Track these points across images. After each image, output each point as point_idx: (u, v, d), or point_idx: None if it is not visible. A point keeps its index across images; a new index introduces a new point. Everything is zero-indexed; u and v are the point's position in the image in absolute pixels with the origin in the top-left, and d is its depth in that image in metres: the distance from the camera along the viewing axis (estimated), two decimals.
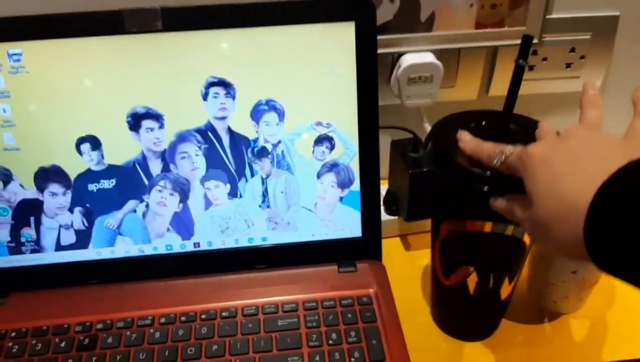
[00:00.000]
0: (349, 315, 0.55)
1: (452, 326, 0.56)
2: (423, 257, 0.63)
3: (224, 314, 0.55)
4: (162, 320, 0.55)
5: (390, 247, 0.65)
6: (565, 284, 0.54)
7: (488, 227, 0.48)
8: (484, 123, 0.51)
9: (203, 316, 0.55)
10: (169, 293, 0.57)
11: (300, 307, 0.56)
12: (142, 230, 0.58)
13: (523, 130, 0.48)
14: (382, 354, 0.51)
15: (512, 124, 0.48)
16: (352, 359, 0.51)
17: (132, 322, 0.55)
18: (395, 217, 0.64)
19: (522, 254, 0.51)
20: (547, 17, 0.62)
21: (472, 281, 0.51)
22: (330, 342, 0.52)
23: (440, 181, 0.50)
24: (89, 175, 0.56)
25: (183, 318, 0.55)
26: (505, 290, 0.52)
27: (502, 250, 0.50)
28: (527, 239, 0.49)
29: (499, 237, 0.48)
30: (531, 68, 0.66)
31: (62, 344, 0.53)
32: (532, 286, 0.57)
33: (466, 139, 0.46)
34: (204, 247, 0.59)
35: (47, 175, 0.56)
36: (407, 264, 0.62)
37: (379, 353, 0.52)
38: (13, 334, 0.54)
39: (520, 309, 0.57)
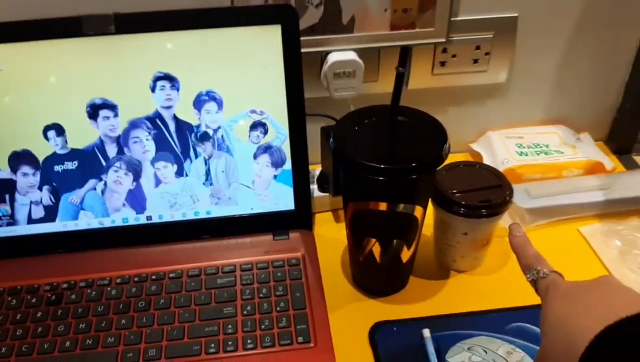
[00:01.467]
0: (279, 274, 0.64)
1: (367, 285, 0.65)
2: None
3: (171, 275, 0.64)
4: (118, 281, 0.64)
5: (323, 220, 0.75)
6: (460, 244, 0.63)
7: (383, 206, 0.57)
8: (374, 118, 0.60)
9: (153, 277, 0.64)
10: (124, 259, 0.67)
11: (237, 269, 0.65)
12: (102, 205, 0.67)
13: (411, 124, 0.57)
14: (304, 304, 0.61)
15: (399, 116, 0.57)
16: (278, 308, 0.60)
17: (92, 283, 0.64)
18: (327, 194, 0.74)
19: (415, 226, 0.59)
20: (453, 19, 0.72)
21: (377, 249, 0.61)
22: (261, 295, 0.62)
23: (344, 172, 0.59)
24: (54, 158, 0.65)
25: (136, 279, 0.64)
26: (405, 255, 0.62)
27: (396, 224, 0.59)
28: (417, 213, 0.58)
29: (393, 214, 0.57)
30: (443, 64, 0.76)
31: (33, 300, 0.62)
32: (436, 247, 0.67)
33: (517, 235, 0.50)
34: (155, 220, 0.68)
35: (19, 158, 0.65)
36: (337, 233, 0.72)
37: (300, 303, 0.61)
38: None
39: (428, 269, 0.67)
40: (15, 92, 0.63)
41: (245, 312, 0.60)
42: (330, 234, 0.72)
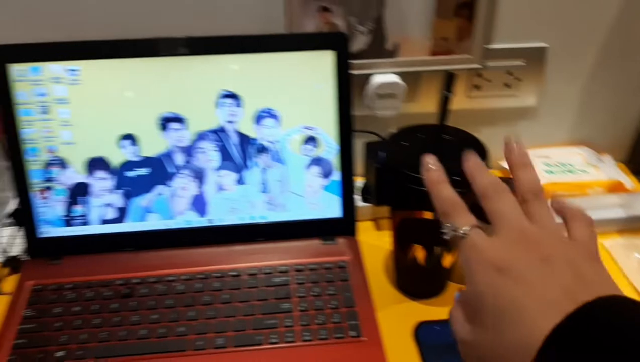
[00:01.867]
0: (328, 275, 0.71)
1: (409, 288, 0.72)
2: (387, 235, 0.79)
3: (231, 273, 0.71)
4: (183, 277, 0.71)
5: (365, 228, 0.81)
6: None
7: (429, 215, 0.63)
8: (423, 135, 0.67)
9: (215, 274, 0.71)
10: (188, 258, 0.73)
11: (291, 269, 0.71)
12: (168, 208, 0.74)
13: (455, 141, 0.64)
14: (353, 303, 0.67)
15: (445, 135, 0.64)
16: (330, 306, 0.67)
17: (160, 279, 0.70)
18: (369, 204, 0.81)
19: None
20: (488, 47, 0.79)
21: (421, 254, 0.67)
22: (313, 294, 0.68)
23: (394, 183, 0.65)
24: (128, 165, 0.72)
25: (200, 276, 0.71)
26: (447, 261, 0.68)
27: (440, 232, 0.65)
28: None
29: (437, 223, 0.63)
30: (477, 87, 0.83)
31: (108, 293, 0.69)
32: None
33: (431, 168, 0.43)
34: (216, 223, 0.75)
35: (96, 164, 0.72)
36: (377, 241, 0.78)
37: (350, 302, 0.67)
38: (70, 285, 0.69)
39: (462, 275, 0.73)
40: (96, 103, 0.70)
41: (300, 308, 0.67)
42: (372, 241, 0.78)
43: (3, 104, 0.68)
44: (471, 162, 0.42)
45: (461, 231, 0.38)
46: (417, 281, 0.70)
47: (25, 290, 0.69)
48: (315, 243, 0.75)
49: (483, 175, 0.41)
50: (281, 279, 0.70)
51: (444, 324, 0.66)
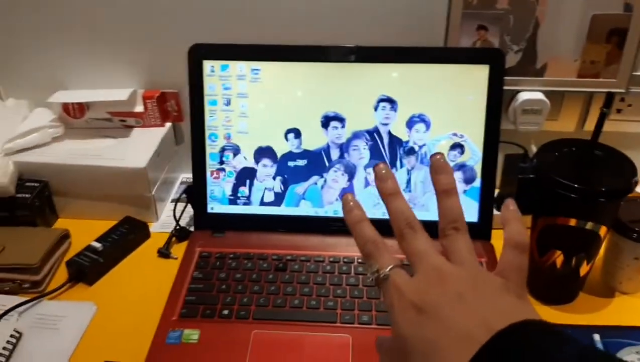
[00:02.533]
0: None
1: (541, 292, 0.75)
2: None
3: None
4: (330, 259, 0.78)
5: (499, 235, 0.85)
6: (629, 267, 0.72)
7: (573, 222, 0.67)
8: (574, 149, 0.71)
9: (360, 261, 0.78)
10: (335, 244, 0.81)
11: None
12: (319, 198, 0.82)
13: (605, 157, 0.68)
14: None
15: (597, 151, 0.68)
16: None
17: (310, 258, 0.78)
18: None
19: (597, 244, 0.70)
20: (634, 73, 0.81)
21: (560, 260, 0.71)
22: None
23: (541, 187, 0.70)
24: (289, 155, 0.81)
25: (345, 260, 0.78)
26: (583, 269, 0.71)
27: (582, 239, 0.69)
28: (601, 232, 0.68)
29: (580, 230, 0.67)
30: (619, 111, 0.85)
31: (265, 265, 0.78)
32: (604, 268, 0.76)
33: (351, 204, 0.41)
34: None
35: (263, 153, 0.81)
36: None
37: None
38: (232, 255, 0.79)
39: (595, 286, 0.76)
40: (269, 99, 0.80)
41: None
42: None
43: (196, 93, 0.79)
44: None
45: (382, 273, 0.37)
46: (551, 286, 0.74)
47: (194, 255, 0.79)
48: None
49: (399, 218, 0.40)
50: None
51: (573, 328, 0.69)
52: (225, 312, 0.71)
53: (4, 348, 0.67)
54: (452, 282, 0.35)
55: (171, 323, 0.70)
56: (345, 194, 0.42)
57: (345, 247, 0.80)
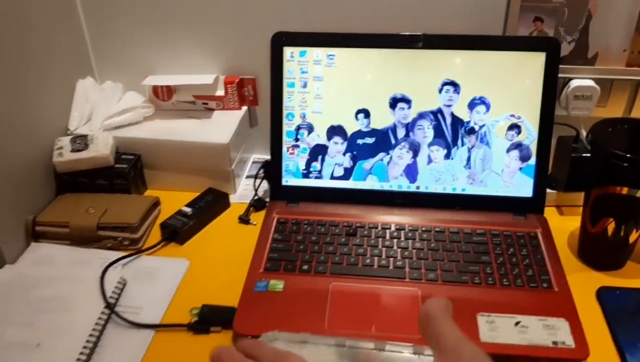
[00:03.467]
0: (521, 241, 0.83)
1: (592, 259, 0.82)
2: (570, 219, 0.90)
3: (437, 229, 0.85)
4: (396, 227, 0.86)
5: (549, 212, 0.92)
6: None
7: (624, 190, 0.74)
8: (625, 126, 0.78)
9: (423, 228, 0.85)
10: (399, 214, 0.88)
11: (487, 233, 0.84)
12: (385, 173, 0.90)
13: None
14: (544, 263, 0.79)
15: None
16: (524, 263, 0.79)
17: (377, 225, 0.86)
18: (554, 192, 0.92)
19: None
20: None
21: (611, 228, 0.78)
22: (509, 253, 0.81)
23: (594, 160, 0.77)
24: (359, 134, 0.89)
25: (409, 228, 0.86)
26: (632, 237, 0.78)
27: (633, 207, 0.75)
28: None
29: (631, 198, 0.74)
30: None
31: (337, 230, 0.86)
32: None
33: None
34: (422, 190, 0.90)
35: (334, 131, 0.90)
36: (560, 223, 0.89)
37: (541, 263, 0.79)
38: (305, 222, 0.87)
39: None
40: (342, 82, 0.88)
41: (498, 261, 0.79)
42: (555, 223, 0.89)
43: (276, 77, 0.89)
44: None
45: None
46: (602, 252, 0.80)
47: (272, 221, 0.88)
48: (507, 216, 0.88)
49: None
50: (479, 239, 0.83)
51: (624, 290, 0.76)
52: (305, 267, 0.79)
53: (113, 292, 0.76)
54: None
55: (258, 275, 0.78)
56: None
57: (409, 218, 0.87)
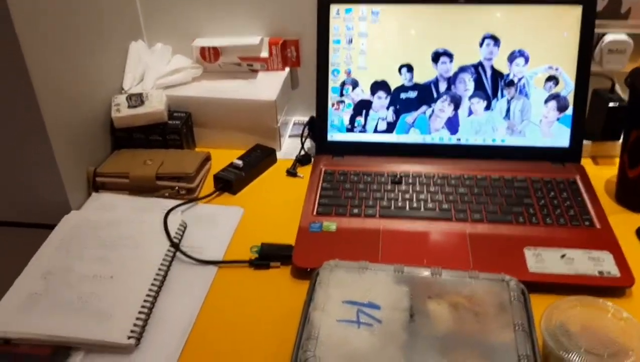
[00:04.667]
0: (561, 186, 0.86)
1: (630, 201, 0.85)
2: (605, 168, 0.93)
3: (479, 177, 0.89)
4: (440, 175, 0.90)
5: (584, 163, 0.95)
6: None
7: None
8: None
9: (466, 176, 0.89)
10: (442, 165, 0.92)
11: (527, 179, 0.88)
12: (427, 126, 0.94)
13: None
14: (585, 204, 0.82)
15: None
16: (565, 204, 0.82)
17: (421, 175, 0.90)
18: (589, 143, 0.95)
19: None
20: None
21: None
22: (550, 196, 0.84)
23: (633, 103, 0.80)
24: (402, 88, 0.93)
25: (453, 176, 0.89)
26: None
27: None
28: None
29: None
30: None
31: (382, 179, 0.90)
32: None
33: None
34: (463, 141, 0.94)
35: (378, 86, 0.94)
36: (596, 171, 0.92)
37: (582, 204, 0.82)
38: (352, 172, 0.91)
39: None
40: (386, 38, 0.92)
41: (540, 203, 0.83)
42: (591, 172, 0.92)
43: (322, 34, 0.92)
44: None
45: None
46: (638, 194, 0.84)
47: (319, 173, 0.92)
48: (545, 165, 0.91)
49: None
50: (520, 185, 0.87)
51: None
52: (355, 211, 0.83)
53: (176, 233, 0.80)
54: None
55: (311, 218, 0.82)
56: None
57: (452, 169, 0.91)
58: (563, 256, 0.74)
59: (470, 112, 0.93)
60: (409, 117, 0.94)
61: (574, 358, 0.56)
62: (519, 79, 0.91)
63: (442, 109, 0.93)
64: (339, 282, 0.66)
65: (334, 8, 0.92)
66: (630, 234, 0.79)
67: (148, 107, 0.93)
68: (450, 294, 0.64)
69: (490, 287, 0.65)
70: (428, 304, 0.63)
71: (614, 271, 0.71)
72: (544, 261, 0.73)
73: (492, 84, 0.91)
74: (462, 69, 0.91)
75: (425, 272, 0.67)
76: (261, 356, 0.64)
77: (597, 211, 0.81)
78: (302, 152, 0.99)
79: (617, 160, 0.88)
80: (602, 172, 0.92)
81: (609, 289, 0.70)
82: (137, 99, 0.94)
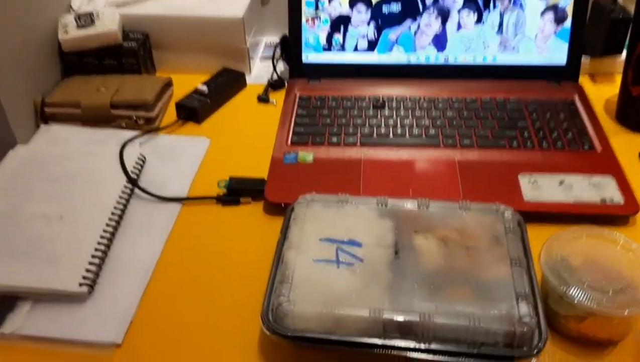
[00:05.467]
0: (557, 107, 0.79)
1: (632, 121, 0.78)
2: (604, 86, 0.86)
3: (468, 99, 0.81)
4: (426, 98, 0.81)
5: (582, 81, 0.87)
6: None
7: None
8: None
9: (453, 99, 0.81)
10: (428, 86, 0.84)
11: (522, 100, 0.80)
12: (412, 43, 0.85)
13: None
14: (584, 126, 0.75)
15: None
16: (563, 127, 0.75)
17: (406, 98, 0.82)
18: (586, 61, 0.87)
19: None
20: None
21: None
22: (546, 117, 0.77)
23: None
24: (384, 1, 0.83)
25: (440, 99, 0.81)
26: None
27: None
28: None
29: None
30: None
31: (363, 104, 0.81)
32: None
33: None
34: (451, 61, 0.85)
35: None
36: (594, 90, 0.85)
37: (580, 125, 0.75)
38: (330, 97, 0.83)
39: None
40: None
41: (535, 126, 0.76)
42: (590, 91, 0.84)
43: None
44: None
45: None
46: None
47: (294, 98, 0.84)
48: (541, 84, 0.83)
49: None
50: (514, 106, 0.79)
51: None
52: (334, 139, 0.75)
53: (134, 167, 0.72)
54: None
55: (285, 148, 0.74)
56: None
57: (439, 91, 0.83)
58: (561, 183, 0.67)
59: (460, 27, 0.83)
60: (392, 34, 0.85)
61: (577, 295, 0.50)
62: None
63: (429, 23, 0.84)
64: (316, 218, 0.59)
65: None
66: (633, 157, 0.73)
67: (99, 28, 0.83)
68: (438, 227, 0.58)
69: (483, 219, 0.59)
70: (414, 239, 0.57)
71: (617, 198, 0.65)
72: (540, 188, 0.67)
73: None
74: None
75: (411, 205, 0.60)
76: (231, 302, 0.58)
77: (597, 133, 0.74)
78: (275, 76, 0.90)
79: (618, 77, 0.80)
80: (601, 90, 0.85)
81: (611, 217, 0.64)
82: (86, 19, 0.83)
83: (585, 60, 0.87)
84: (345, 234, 0.57)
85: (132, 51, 0.85)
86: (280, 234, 0.59)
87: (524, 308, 0.50)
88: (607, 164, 0.69)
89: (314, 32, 0.85)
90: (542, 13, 0.82)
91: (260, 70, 0.93)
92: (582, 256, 0.54)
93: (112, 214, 0.65)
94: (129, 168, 0.71)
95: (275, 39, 0.98)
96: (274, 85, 0.89)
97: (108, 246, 0.62)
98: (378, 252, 0.55)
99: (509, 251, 0.55)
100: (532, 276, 0.53)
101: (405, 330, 0.49)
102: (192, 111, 0.81)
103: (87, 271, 0.59)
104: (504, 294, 0.51)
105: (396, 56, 0.85)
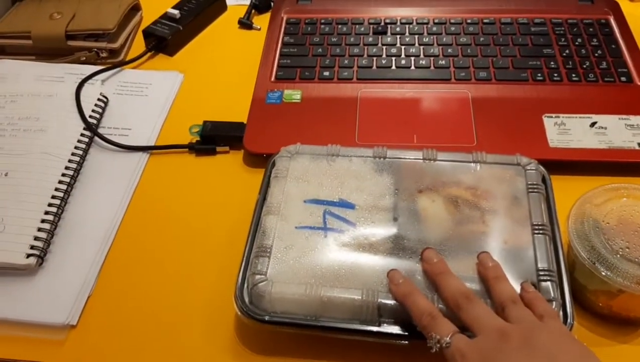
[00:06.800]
0: (590, 29, 0.67)
1: None
2: None
3: (485, 21, 0.69)
4: (435, 21, 0.69)
5: None
6: None
7: None
8: None
9: (468, 21, 0.69)
10: (437, 6, 0.71)
11: (547, 22, 0.68)
12: None
13: None
14: (620, 54, 0.64)
15: None
16: (595, 55, 0.64)
17: (412, 20, 0.70)
18: None
19: None
20: None
21: None
22: (576, 43, 0.65)
23: None
24: None
25: (452, 21, 0.69)
26: None
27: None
28: None
29: None
30: None
31: (362, 29, 0.69)
32: None
33: (400, 282, 0.42)
34: None
35: None
36: (632, 9, 0.72)
37: (617, 53, 0.64)
38: (322, 20, 0.71)
39: None
40: None
41: (563, 54, 0.64)
42: (627, 9, 0.72)
43: None
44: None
45: (444, 341, 0.37)
46: None
47: (280, 22, 0.72)
48: (570, 2, 0.71)
49: (454, 291, 0.40)
50: (539, 29, 0.67)
51: None
52: (326, 73, 0.65)
53: (93, 111, 0.62)
54: (513, 338, 0.36)
55: (269, 85, 0.64)
56: (392, 271, 0.42)
57: (451, 11, 0.71)
58: (593, 124, 0.57)
59: None
60: None
61: (610, 269, 0.41)
62: None
63: None
64: (301, 174, 0.50)
65: None
66: None
67: None
68: (447, 185, 0.49)
69: (501, 174, 0.49)
70: (418, 201, 0.48)
71: None
72: (568, 131, 0.56)
73: None
74: None
75: (415, 156, 0.51)
76: (204, 272, 0.50)
77: (636, 62, 0.63)
78: None
79: None
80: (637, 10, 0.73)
81: None
82: None
83: None
84: (335, 195, 0.48)
85: None
86: (259, 194, 0.50)
87: (547, 286, 0.42)
88: None
89: None
90: None
91: None
92: (618, 220, 0.45)
93: (67, 168, 0.56)
94: (87, 111, 0.61)
95: None
96: (258, 6, 0.77)
97: (62, 208, 0.54)
98: (374, 216, 0.47)
99: (530, 214, 0.46)
100: (557, 244, 0.45)
101: (404, 316, 0.41)
102: (162, 40, 0.70)
103: (36, 238, 0.50)
104: (523, 268, 0.43)
105: None
